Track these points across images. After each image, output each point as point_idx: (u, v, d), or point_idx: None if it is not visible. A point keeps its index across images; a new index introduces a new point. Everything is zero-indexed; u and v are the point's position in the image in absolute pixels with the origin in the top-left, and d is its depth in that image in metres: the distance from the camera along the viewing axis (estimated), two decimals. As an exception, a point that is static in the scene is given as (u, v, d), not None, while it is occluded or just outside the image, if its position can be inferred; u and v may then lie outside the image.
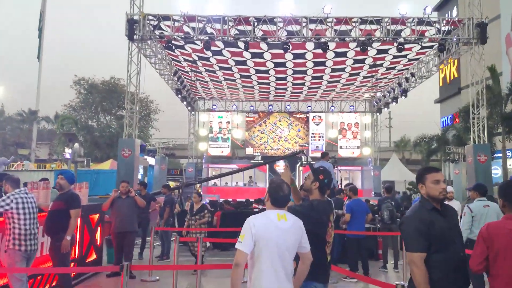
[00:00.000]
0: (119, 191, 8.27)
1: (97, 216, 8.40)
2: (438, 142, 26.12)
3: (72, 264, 7.12)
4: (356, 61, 17.78)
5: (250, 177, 25.54)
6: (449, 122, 32.68)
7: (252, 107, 26.42)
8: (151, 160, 25.65)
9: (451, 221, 2.90)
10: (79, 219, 6.17)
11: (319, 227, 3.25)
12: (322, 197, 3.42)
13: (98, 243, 8.44)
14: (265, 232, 2.74)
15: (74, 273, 7.13)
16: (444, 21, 15.15)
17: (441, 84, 37.79)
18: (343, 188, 10.09)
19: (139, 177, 22.84)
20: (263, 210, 9.49)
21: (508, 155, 21.09)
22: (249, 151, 26.43)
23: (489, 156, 14.50)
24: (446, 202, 6.50)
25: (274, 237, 2.74)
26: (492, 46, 15.16)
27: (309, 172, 3.61)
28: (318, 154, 24.92)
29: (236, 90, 23.41)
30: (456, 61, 28.97)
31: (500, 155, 19.99)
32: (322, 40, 14.75)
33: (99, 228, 8.49)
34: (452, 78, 35.14)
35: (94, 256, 8.21)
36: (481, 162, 14.23)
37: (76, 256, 7.39)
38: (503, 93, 19.22)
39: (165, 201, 10.14)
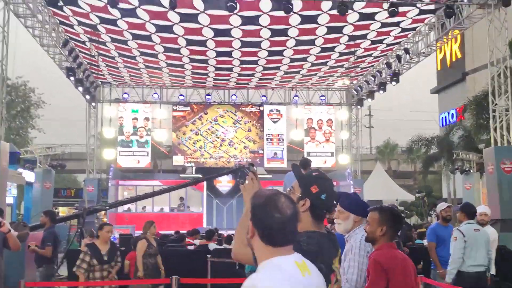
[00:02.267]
0: None
1: None
2: (440, 146, 26.35)
3: None
4: (330, 30, 17.42)
5: (182, 198, 24.91)
6: (450, 119, 33.30)
7: (182, 97, 25.66)
8: (29, 176, 23.79)
9: None
10: None
11: None
12: (317, 226, 2.74)
13: None
14: None
15: None
16: (454, -25, 15.01)
17: (439, 68, 38.59)
18: None
19: (11, 200, 21.61)
20: (203, 246, 9.81)
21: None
22: (178, 160, 25.77)
23: (517, 162, 14.39)
24: (478, 228, 6.95)
25: None
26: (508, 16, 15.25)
27: (294, 181, 2.88)
28: (276, 164, 25.48)
29: (158, 71, 22.57)
30: (458, 37, 29.49)
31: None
32: (284, -4, 14.11)
33: None
34: (454, 59, 35.92)
35: None
36: (506, 171, 14.09)
37: None
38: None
39: (44, 237, 8.85)
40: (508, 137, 14.84)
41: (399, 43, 19.36)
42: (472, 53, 32.34)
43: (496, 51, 15.19)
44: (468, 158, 22.05)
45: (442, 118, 35.59)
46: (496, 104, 15.16)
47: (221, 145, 26.09)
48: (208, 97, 25.74)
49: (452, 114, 33.30)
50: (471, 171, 21.77)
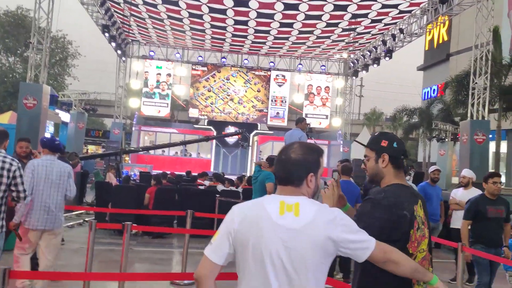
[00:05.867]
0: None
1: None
2: (420, 117, 26.29)
3: None
4: (336, 8, 17.15)
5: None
6: (432, 94, 33.08)
7: (200, 58, 25.45)
8: (64, 116, 24.28)
9: None
10: None
11: (396, 229, 2.38)
12: (399, 178, 2.58)
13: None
14: (252, 232, 1.96)
15: None
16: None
17: (426, 48, 38.04)
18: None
19: (48, 136, 21.44)
20: (213, 187, 10.49)
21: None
22: (193, 113, 25.90)
23: (487, 135, 14.32)
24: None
25: (267, 242, 1.94)
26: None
27: (361, 145, 2.77)
28: (278, 122, 25.69)
29: (182, 33, 22.37)
30: (447, 22, 28.93)
31: (493, 135, 20.03)
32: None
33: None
34: (440, 41, 35.37)
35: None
36: (478, 142, 14.02)
37: None
38: (504, 62, 19.13)
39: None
40: (483, 112, 14.71)
41: (395, 23, 19.15)
42: (457, 37, 31.85)
43: (481, 36, 14.91)
44: (445, 129, 21.84)
45: (425, 92, 35.40)
46: (476, 82, 14.97)
47: (230, 103, 25.98)
48: (223, 60, 25.67)
49: (434, 89, 33.18)
50: (446, 140, 21.71)
